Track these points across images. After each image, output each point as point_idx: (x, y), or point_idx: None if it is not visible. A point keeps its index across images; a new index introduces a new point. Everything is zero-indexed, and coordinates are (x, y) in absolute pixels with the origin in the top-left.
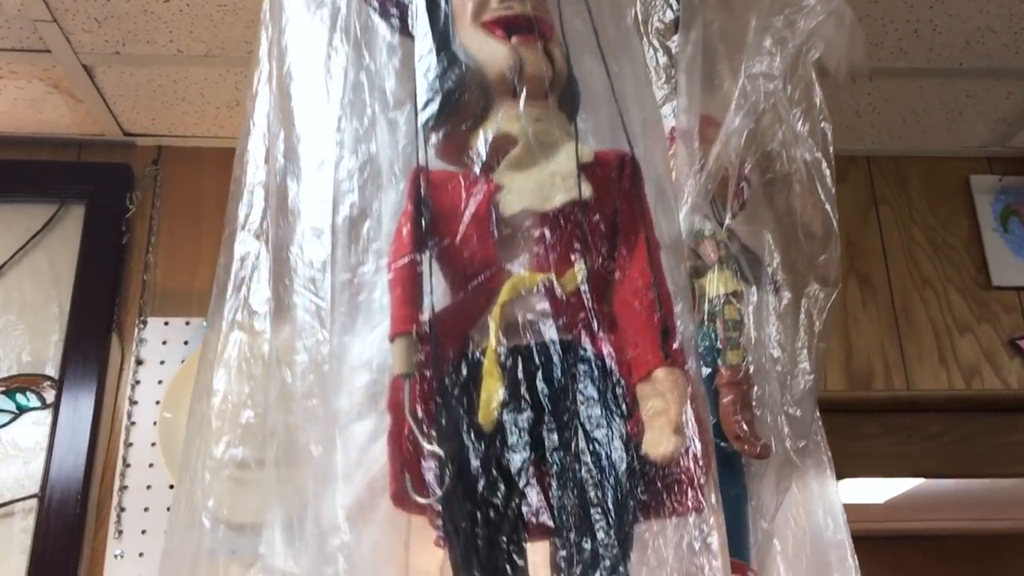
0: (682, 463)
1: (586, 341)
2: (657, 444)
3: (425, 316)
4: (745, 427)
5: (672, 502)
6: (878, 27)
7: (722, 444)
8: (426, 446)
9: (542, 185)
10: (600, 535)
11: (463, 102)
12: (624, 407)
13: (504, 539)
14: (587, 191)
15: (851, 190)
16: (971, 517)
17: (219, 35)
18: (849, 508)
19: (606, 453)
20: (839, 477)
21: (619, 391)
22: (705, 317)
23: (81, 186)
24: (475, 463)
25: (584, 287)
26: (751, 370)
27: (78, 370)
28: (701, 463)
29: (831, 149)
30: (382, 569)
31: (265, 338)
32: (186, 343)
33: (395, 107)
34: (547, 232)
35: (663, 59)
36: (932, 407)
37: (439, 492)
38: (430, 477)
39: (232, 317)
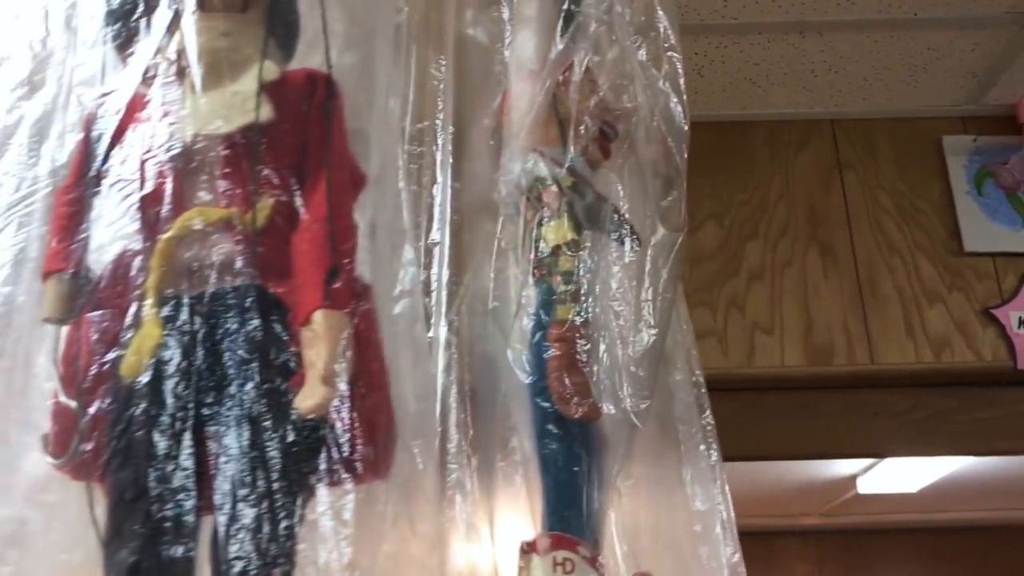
0: (338, 422)
1: (267, 285)
2: (304, 398)
3: (92, 255)
4: (569, 386)
5: (334, 467)
6: None
7: (543, 404)
8: (61, 399)
9: (222, 107)
10: (240, 506)
11: (137, 12)
12: (289, 359)
13: (145, 505)
14: (267, 113)
15: (814, 156)
16: (1014, 507)
17: None
18: (881, 498)
19: (259, 413)
20: (796, 456)
21: (287, 341)
22: (545, 270)
23: None
24: (113, 421)
25: (240, 225)
26: (584, 325)
27: None
28: (357, 422)
29: (682, 81)
30: (62, 557)
31: None
32: None
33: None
34: (229, 162)
35: None
36: (899, 382)
37: (68, 452)
38: (64, 435)
39: None
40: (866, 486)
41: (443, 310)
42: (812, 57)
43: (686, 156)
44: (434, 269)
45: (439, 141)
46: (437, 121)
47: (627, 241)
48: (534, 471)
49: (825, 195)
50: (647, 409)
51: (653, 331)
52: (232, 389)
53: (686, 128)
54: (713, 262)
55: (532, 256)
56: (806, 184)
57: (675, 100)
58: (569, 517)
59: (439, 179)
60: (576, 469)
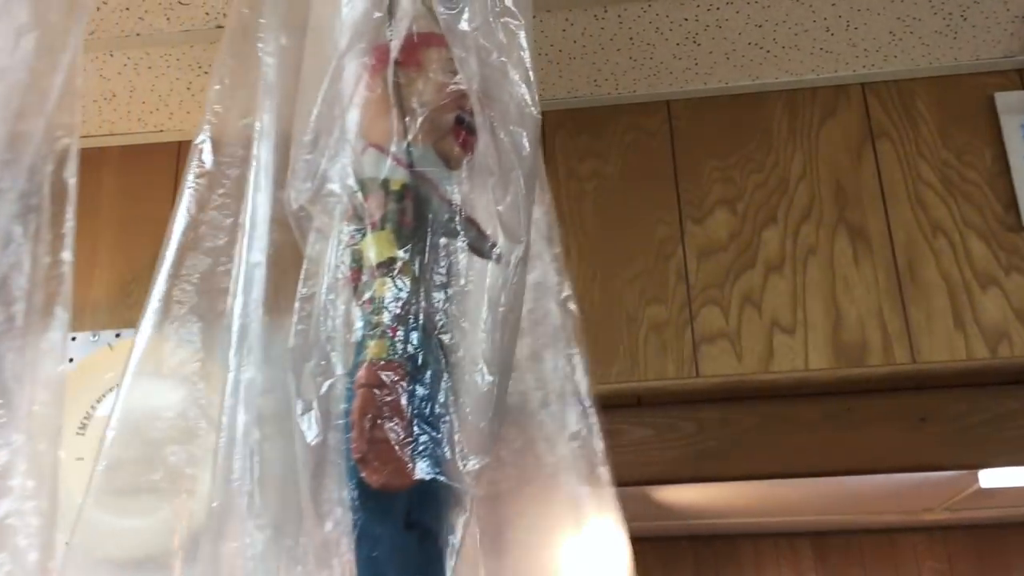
0: None
1: None
2: None
3: None
4: (370, 445)
5: None
6: None
7: (350, 466)
8: None
9: None
10: None
11: None
12: None
13: None
14: None
15: (841, 126)
16: None
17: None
18: (1008, 492)
19: None
20: (830, 473)
21: None
22: (363, 297)
23: None
24: None
25: None
26: (401, 365)
27: None
28: None
29: (526, 55)
30: None
31: None
32: (72, 360)
33: None
34: None
35: None
36: (948, 383)
37: None
38: None
39: None
40: (988, 480)
41: (251, 344)
42: (823, 13)
43: (529, 148)
44: (252, 294)
45: (262, 140)
46: (264, 116)
47: (462, 257)
48: (342, 551)
49: (855, 170)
50: (484, 469)
51: (491, 371)
52: None
53: (534, 112)
54: (724, 254)
55: (347, 279)
56: (832, 159)
57: (515, 76)
58: None
59: (261, 187)
60: (397, 547)
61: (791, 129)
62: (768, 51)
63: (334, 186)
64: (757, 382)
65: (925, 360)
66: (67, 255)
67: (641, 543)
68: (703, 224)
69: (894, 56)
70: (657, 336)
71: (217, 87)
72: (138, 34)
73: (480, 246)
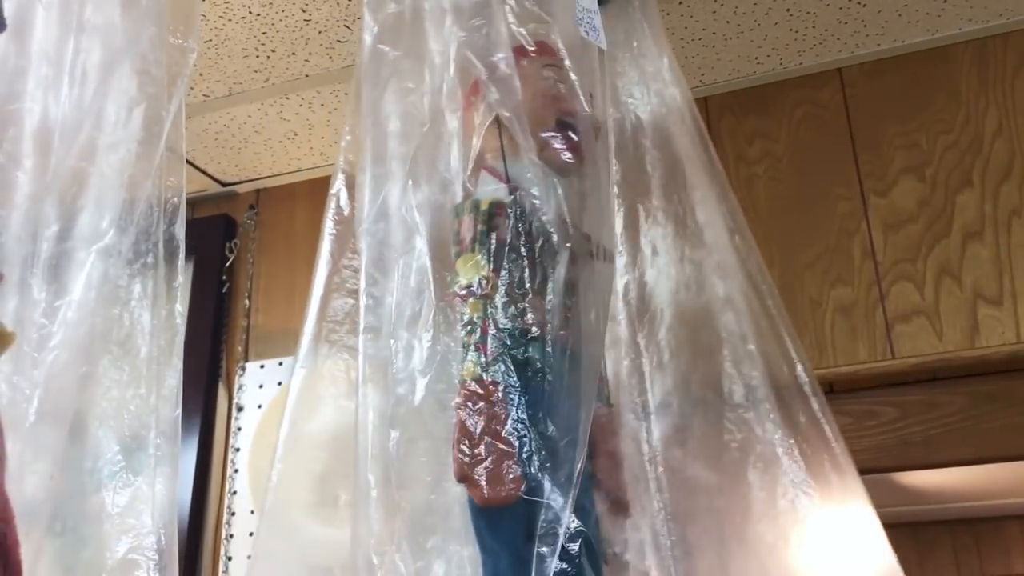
0: None
1: None
2: None
3: None
4: (470, 463)
5: None
6: None
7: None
8: None
9: None
10: None
11: None
12: None
13: None
14: None
15: None
16: None
17: (228, 71)
18: None
19: None
20: None
21: None
22: (455, 317)
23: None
24: None
25: None
26: (493, 383)
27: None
28: None
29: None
30: None
31: None
32: (280, 384)
33: None
34: None
35: None
36: None
37: None
38: None
39: None
40: None
41: (364, 368)
42: None
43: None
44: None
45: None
46: (392, 162)
47: (559, 268)
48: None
49: None
50: (578, 477)
51: (577, 379)
52: None
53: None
54: (915, 225)
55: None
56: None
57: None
58: None
59: None
60: (518, 559)
61: (981, 81)
62: (945, 1)
63: (420, 213)
64: (963, 359)
65: None
66: (179, 307)
67: (893, 530)
68: (887, 195)
69: None
70: (844, 319)
71: (348, 137)
72: (307, 75)
73: (582, 250)
